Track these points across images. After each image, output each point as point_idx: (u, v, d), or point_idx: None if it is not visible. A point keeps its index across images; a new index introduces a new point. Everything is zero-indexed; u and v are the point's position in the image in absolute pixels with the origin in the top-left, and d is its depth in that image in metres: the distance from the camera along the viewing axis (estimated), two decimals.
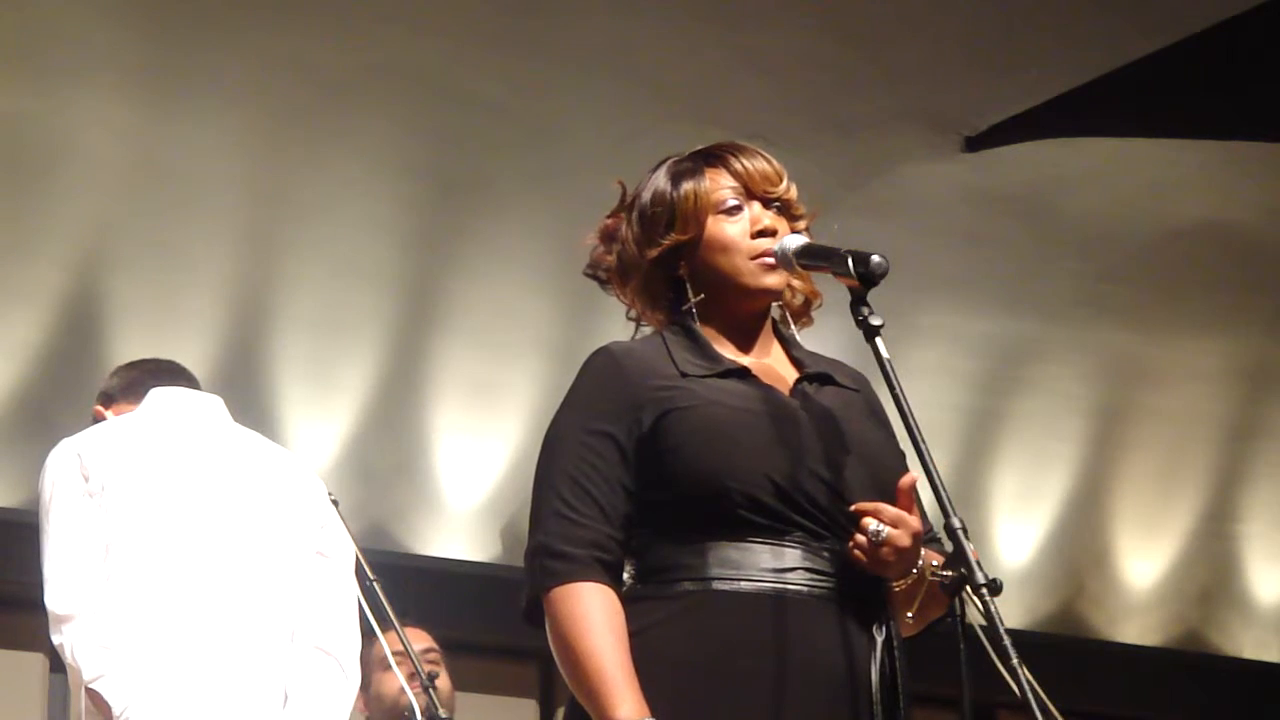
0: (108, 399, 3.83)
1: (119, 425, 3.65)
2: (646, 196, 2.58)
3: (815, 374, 2.54)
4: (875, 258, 2.37)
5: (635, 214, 2.58)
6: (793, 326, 2.61)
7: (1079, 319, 6.87)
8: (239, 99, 5.67)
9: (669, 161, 2.60)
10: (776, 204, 2.55)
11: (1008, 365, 7.00)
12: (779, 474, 2.38)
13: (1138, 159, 6.25)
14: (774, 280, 2.51)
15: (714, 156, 2.57)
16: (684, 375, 2.46)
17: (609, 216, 2.63)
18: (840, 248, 2.44)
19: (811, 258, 2.48)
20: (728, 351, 2.52)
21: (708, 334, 2.53)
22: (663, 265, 2.56)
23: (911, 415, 2.31)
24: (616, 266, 2.60)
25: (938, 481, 2.26)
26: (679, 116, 5.68)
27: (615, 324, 2.69)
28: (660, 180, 2.58)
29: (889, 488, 2.44)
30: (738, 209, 2.53)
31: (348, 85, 5.70)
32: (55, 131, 5.67)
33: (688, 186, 2.55)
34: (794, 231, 2.54)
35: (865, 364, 2.55)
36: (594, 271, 2.64)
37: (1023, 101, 5.98)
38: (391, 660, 4.41)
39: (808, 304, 2.60)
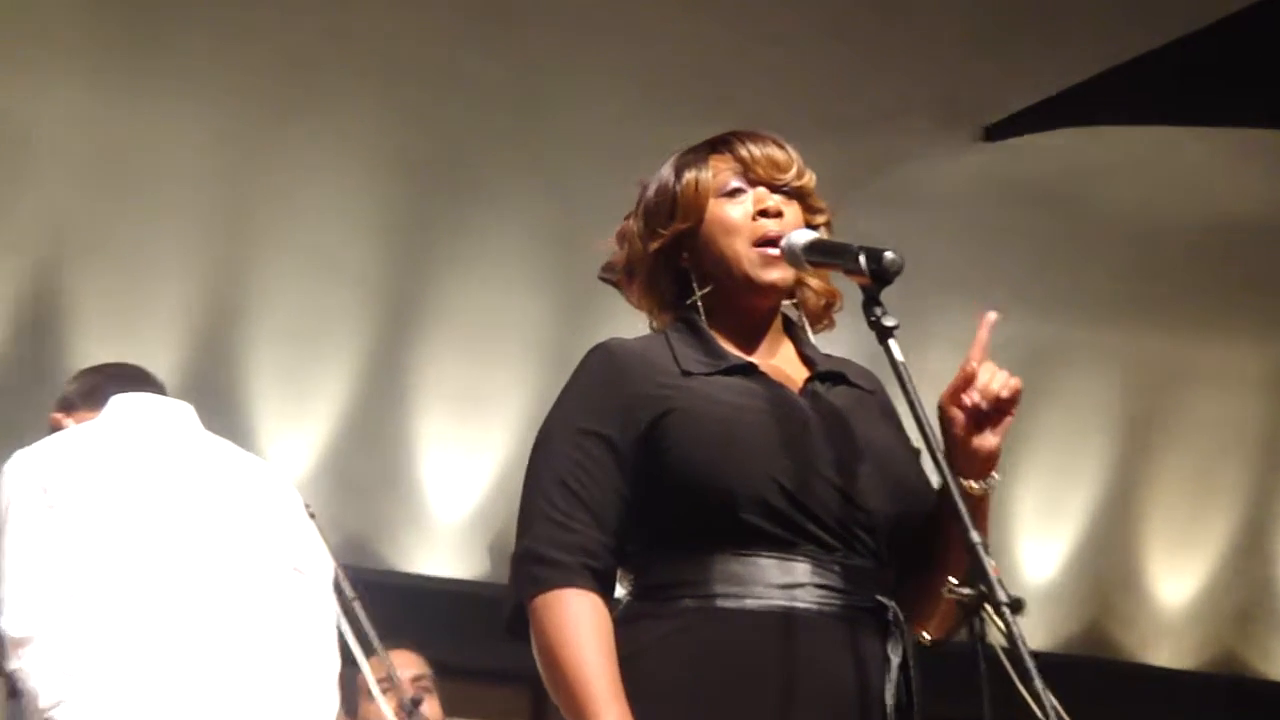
0: (67, 406, 3.83)
1: (79, 434, 3.64)
2: (651, 190, 2.61)
3: (826, 373, 2.55)
4: (889, 254, 2.37)
5: (641, 208, 2.61)
6: (809, 330, 2.62)
7: (1107, 321, 6.87)
8: (204, 81, 5.67)
9: (677, 154, 2.63)
10: (786, 191, 2.56)
11: (1030, 371, 6.92)
12: (787, 478, 2.38)
13: (1170, 148, 6.26)
14: (776, 275, 2.52)
15: (721, 143, 2.60)
16: (686, 373, 2.47)
17: (626, 217, 2.66)
18: (852, 243, 2.45)
19: (821, 254, 2.48)
20: (734, 348, 2.53)
21: (714, 330, 2.54)
22: (665, 257, 2.58)
23: (927, 423, 2.31)
24: (624, 265, 2.62)
25: (955, 494, 2.26)
26: (679, 105, 5.68)
27: (613, 325, 2.69)
28: (665, 172, 2.61)
29: (904, 494, 2.45)
30: (740, 191, 2.56)
31: (320, 64, 5.70)
32: (9, 119, 5.67)
33: (689, 175, 2.58)
34: (811, 226, 2.56)
35: (877, 367, 2.56)
36: (608, 275, 2.66)
37: (1046, 87, 5.98)
38: (375, 689, 4.41)
39: (828, 306, 2.62)
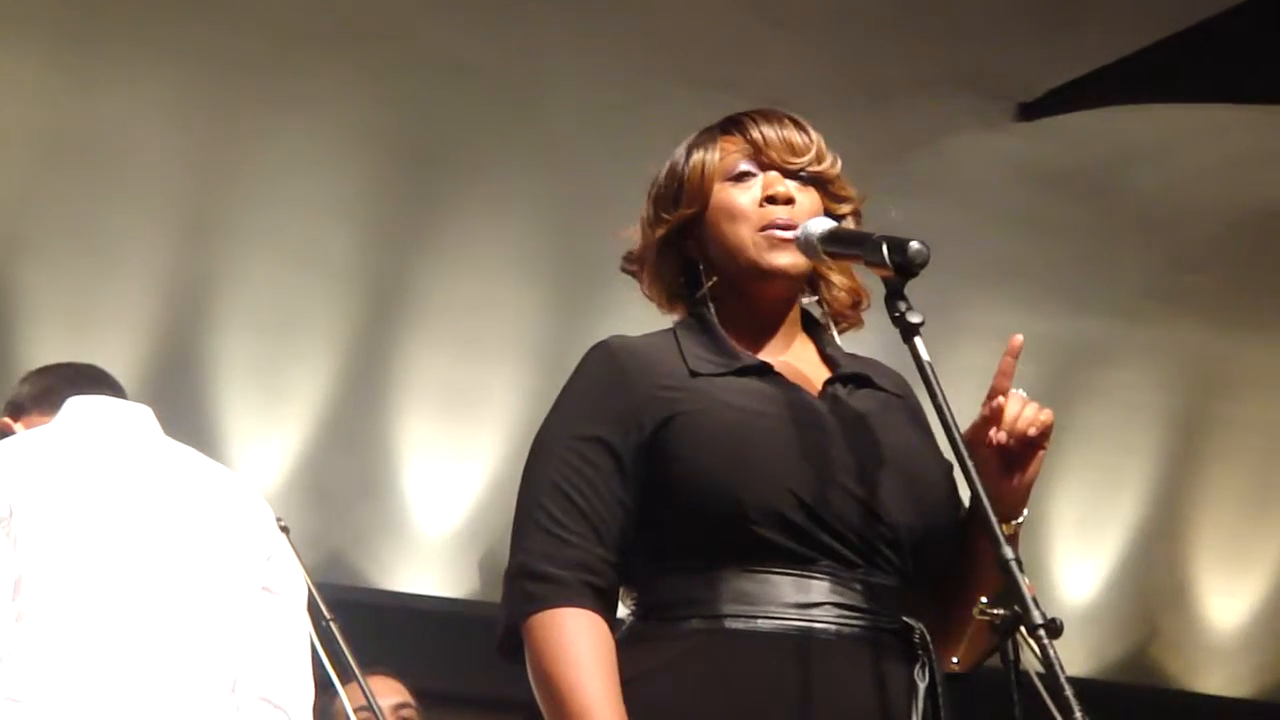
0: (17, 409, 3.83)
1: (30, 440, 3.63)
2: (662, 173, 2.63)
3: (849, 374, 2.55)
4: (914, 244, 2.37)
5: (652, 193, 2.63)
6: (833, 329, 2.62)
7: (1151, 315, 6.86)
8: (171, 60, 5.67)
9: (694, 134, 2.64)
10: (802, 177, 2.55)
11: (1069, 369, 7.00)
12: (803, 488, 2.38)
13: (1217, 129, 6.25)
14: (784, 260, 2.52)
15: (733, 123, 2.61)
16: (694, 374, 2.47)
17: None
18: (873, 232, 2.44)
19: (839, 244, 2.48)
20: (747, 346, 2.53)
21: (725, 326, 2.55)
22: (672, 246, 2.59)
23: (956, 427, 2.31)
24: (638, 254, 2.64)
25: (986, 506, 2.26)
26: (687, 80, 5.67)
27: (611, 321, 2.69)
28: (677, 154, 2.62)
29: (930, 507, 2.44)
30: (748, 175, 2.56)
31: (300, 43, 5.69)
32: None
33: (696, 157, 2.59)
34: (835, 216, 2.55)
35: (902, 366, 2.55)
36: (628, 266, 2.67)
37: (1085, 63, 5.97)
38: (352, 717, 4.41)
39: (856, 304, 2.61)
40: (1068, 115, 6.09)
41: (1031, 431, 2.40)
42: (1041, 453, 2.43)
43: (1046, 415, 2.42)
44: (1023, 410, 2.41)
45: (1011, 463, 2.42)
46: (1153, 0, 5.76)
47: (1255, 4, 5.74)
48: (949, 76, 5.96)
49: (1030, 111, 6.11)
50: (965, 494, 2.44)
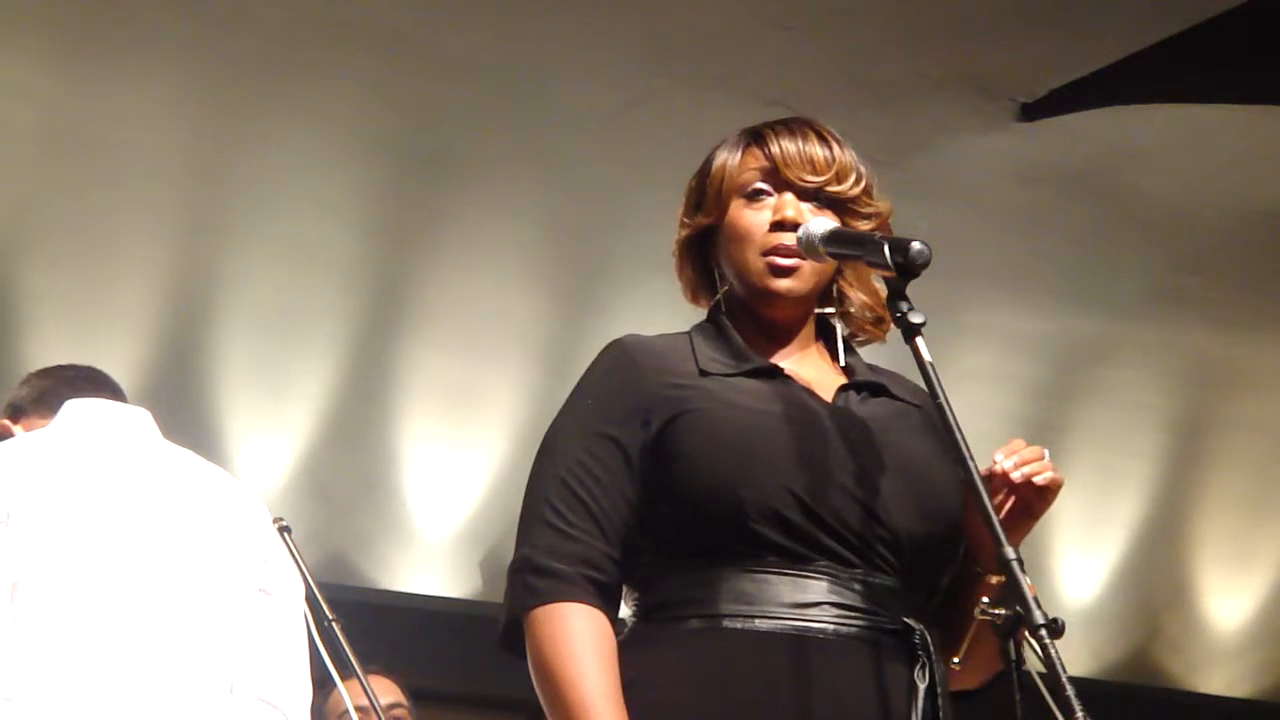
0: (16, 412, 3.83)
1: (29, 443, 3.63)
2: (696, 170, 2.64)
3: (864, 383, 2.55)
4: (915, 245, 2.36)
5: (687, 191, 2.65)
6: (842, 339, 2.62)
7: (1153, 315, 6.86)
8: (173, 59, 5.66)
9: (734, 132, 2.65)
10: (819, 197, 2.54)
11: (1070, 369, 6.99)
12: (803, 488, 2.38)
13: (1221, 129, 6.24)
14: (784, 284, 2.52)
15: (757, 135, 2.61)
16: (704, 374, 2.48)
17: None
18: (875, 233, 2.44)
19: (840, 244, 2.48)
20: (761, 352, 2.54)
21: (740, 331, 2.56)
22: (694, 248, 2.61)
23: (957, 427, 2.30)
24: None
25: (988, 506, 2.25)
26: (687, 80, 5.67)
27: (613, 321, 2.70)
28: (711, 154, 2.63)
29: (933, 512, 2.44)
30: (762, 195, 2.56)
31: (302, 42, 5.69)
32: None
33: (718, 164, 2.60)
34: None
35: (903, 367, 2.55)
36: (674, 254, 2.69)
37: (1086, 63, 5.96)
38: (353, 714, 4.41)
39: (877, 321, 2.60)
40: (1069, 115, 6.07)
41: (1038, 479, 2.39)
42: (1043, 506, 2.43)
43: (1047, 478, 2.40)
44: (1035, 457, 2.40)
45: (1012, 513, 2.40)
46: (1153, 0, 5.75)
47: (1255, 4, 5.73)
48: (950, 76, 5.95)
49: (1032, 112, 6.09)
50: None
